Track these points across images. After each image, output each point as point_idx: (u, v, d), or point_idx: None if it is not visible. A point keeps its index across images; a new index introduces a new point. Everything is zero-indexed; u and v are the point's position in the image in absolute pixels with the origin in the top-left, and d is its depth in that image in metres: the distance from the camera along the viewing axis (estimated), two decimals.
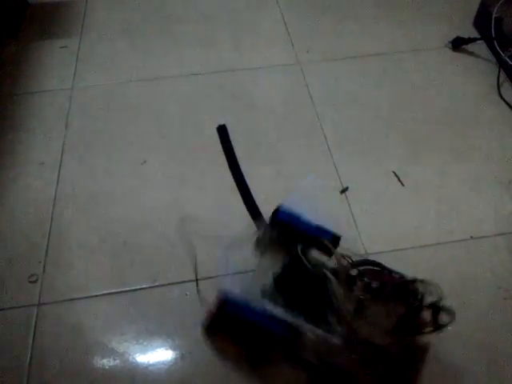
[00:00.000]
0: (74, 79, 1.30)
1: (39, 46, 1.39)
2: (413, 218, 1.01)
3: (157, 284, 0.92)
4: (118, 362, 0.83)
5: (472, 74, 1.30)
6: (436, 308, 0.74)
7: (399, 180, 1.07)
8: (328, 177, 1.08)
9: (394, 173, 1.08)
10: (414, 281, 0.76)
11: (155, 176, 1.09)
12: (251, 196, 0.97)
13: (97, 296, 0.91)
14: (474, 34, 1.39)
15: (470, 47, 1.36)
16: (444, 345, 0.84)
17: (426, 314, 0.74)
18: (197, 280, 0.89)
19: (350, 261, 0.81)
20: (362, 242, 0.97)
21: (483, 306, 0.89)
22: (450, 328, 0.73)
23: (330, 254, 0.82)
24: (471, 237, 0.98)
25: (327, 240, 0.82)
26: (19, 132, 1.18)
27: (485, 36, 1.36)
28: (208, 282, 0.91)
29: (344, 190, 1.06)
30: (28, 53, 1.37)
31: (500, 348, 0.84)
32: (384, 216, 1.02)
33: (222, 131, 0.86)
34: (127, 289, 0.92)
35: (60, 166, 1.11)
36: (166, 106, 1.23)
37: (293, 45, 1.39)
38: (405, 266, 0.93)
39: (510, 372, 0.82)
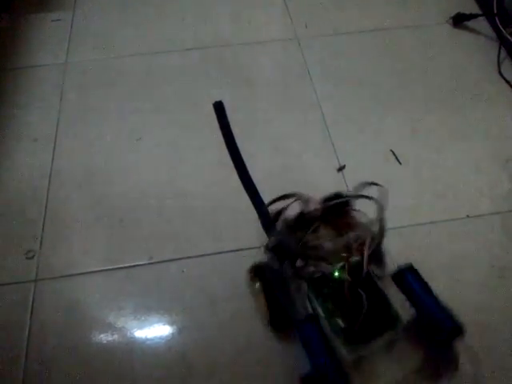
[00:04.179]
0: (68, 54, 1.28)
1: (32, 20, 1.36)
2: (409, 197, 1.01)
3: (153, 261, 0.92)
4: (116, 336, 0.84)
5: (472, 50, 1.29)
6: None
7: (396, 158, 1.07)
8: (325, 154, 1.07)
9: (391, 151, 1.08)
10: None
11: (150, 152, 1.08)
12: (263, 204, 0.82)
13: (94, 272, 0.91)
14: (476, 9, 1.37)
15: (471, 23, 1.34)
16: None
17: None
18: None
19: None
20: None
21: (477, 284, 0.90)
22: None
23: None
24: (467, 215, 0.99)
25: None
26: (12, 108, 1.16)
27: (486, 12, 1.34)
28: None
29: (341, 168, 1.05)
30: (20, 26, 1.34)
31: (493, 326, 0.85)
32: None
33: (219, 107, 0.81)
34: (124, 265, 0.92)
35: (55, 142, 1.10)
36: (161, 81, 1.21)
37: (291, 19, 1.37)
38: (401, 243, 0.94)
39: (503, 349, 0.83)
